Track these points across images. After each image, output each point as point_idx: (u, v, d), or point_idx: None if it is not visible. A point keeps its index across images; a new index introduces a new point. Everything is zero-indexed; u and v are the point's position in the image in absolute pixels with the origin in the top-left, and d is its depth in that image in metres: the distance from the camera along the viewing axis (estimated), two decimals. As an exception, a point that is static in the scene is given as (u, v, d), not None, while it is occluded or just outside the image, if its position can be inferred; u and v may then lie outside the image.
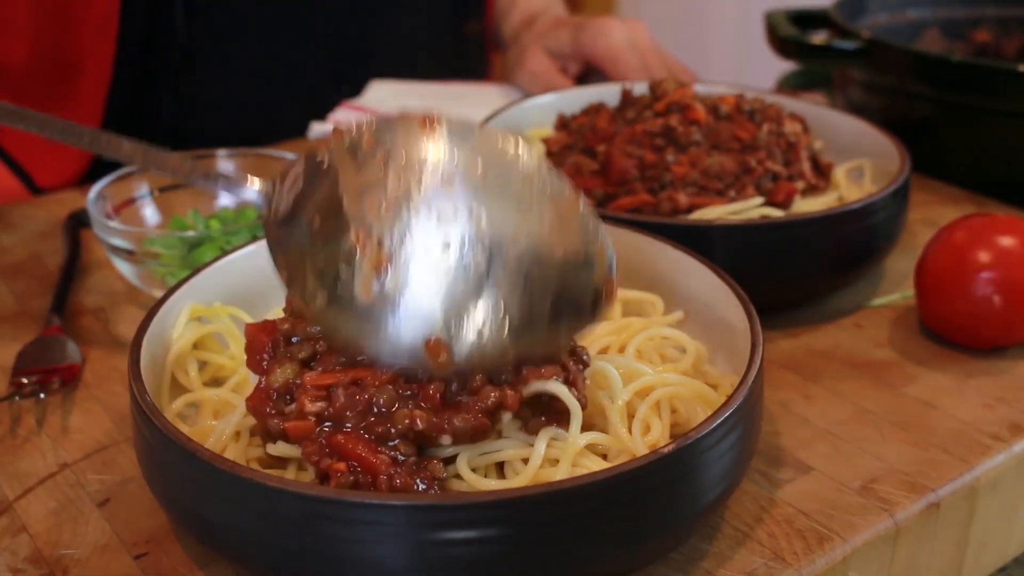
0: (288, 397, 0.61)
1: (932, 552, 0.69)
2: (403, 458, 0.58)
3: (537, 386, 0.60)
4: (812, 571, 0.62)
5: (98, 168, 1.25)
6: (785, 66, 1.52)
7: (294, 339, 0.64)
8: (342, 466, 0.57)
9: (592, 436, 0.61)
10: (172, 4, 1.24)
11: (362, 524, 0.52)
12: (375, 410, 0.59)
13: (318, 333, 0.63)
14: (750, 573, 0.61)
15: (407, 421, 0.58)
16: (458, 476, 0.60)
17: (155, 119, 1.30)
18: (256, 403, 0.62)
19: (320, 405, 0.59)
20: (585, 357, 0.64)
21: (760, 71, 1.95)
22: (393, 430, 0.58)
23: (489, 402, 0.58)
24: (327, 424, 0.59)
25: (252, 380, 0.68)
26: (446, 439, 0.58)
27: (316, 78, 1.38)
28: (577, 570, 0.55)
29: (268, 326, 0.66)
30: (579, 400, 0.60)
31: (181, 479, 0.57)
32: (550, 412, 0.61)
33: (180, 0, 1.23)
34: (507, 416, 0.60)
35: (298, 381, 0.61)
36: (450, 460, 0.60)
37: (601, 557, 0.55)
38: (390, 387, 0.59)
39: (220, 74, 1.32)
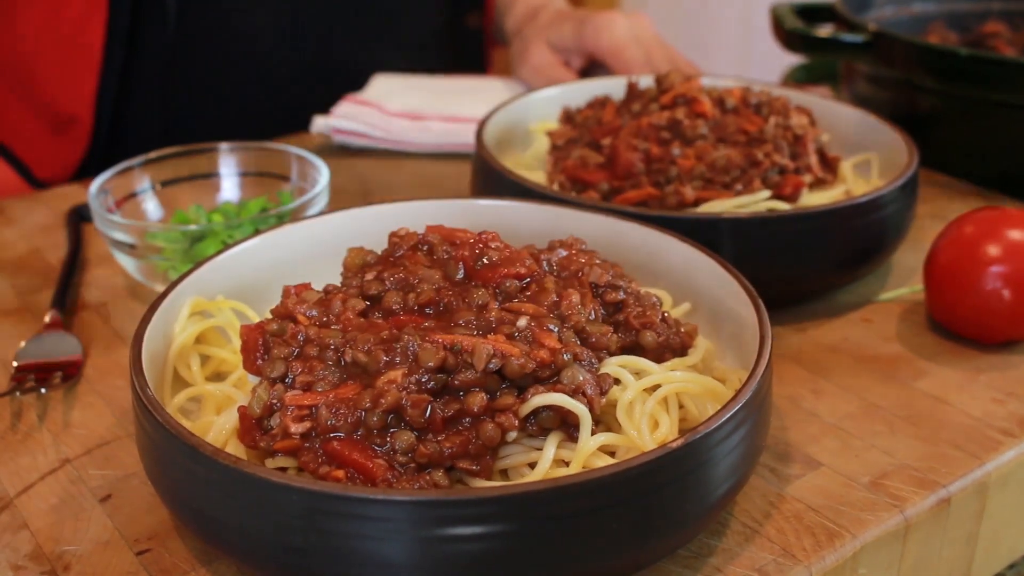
0: (270, 417, 0.60)
1: (942, 548, 0.69)
2: (402, 464, 0.57)
3: (538, 400, 0.59)
4: (822, 567, 0.61)
5: (93, 159, 1.25)
6: (788, 60, 1.51)
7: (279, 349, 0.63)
8: (340, 474, 0.57)
9: (602, 438, 0.60)
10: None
11: (366, 520, 0.52)
12: (363, 431, 0.58)
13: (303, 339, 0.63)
14: (759, 569, 0.60)
15: (408, 444, 0.57)
16: (461, 482, 0.59)
17: (151, 112, 1.29)
18: (247, 437, 0.61)
19: (305, 425, 0.58)
20: (594, 364, 0.63)
21: (763, 65, 1.94)
22: (395, 446, 0.57)
23: (488, 435, 0.58)
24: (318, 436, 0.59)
25: (252, 379, 0.67)
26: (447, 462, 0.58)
27: (318, 72, 1.38)
28: (585, 567, 0.54)
29: (262, 327, 0.65)
30: (587, 404, 0.60)
31: (183, 474, 0.56)
32: (559, 418, 0.60)
33: None
34: (511, 435, 0.59)
35: (277, 402, 0.60)
36: (453, 467, 0.59)
37: (609, 554, 0.54)
38: (381, 412, 0.57)
39: (222, 68, 1.31)
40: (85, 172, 1.26)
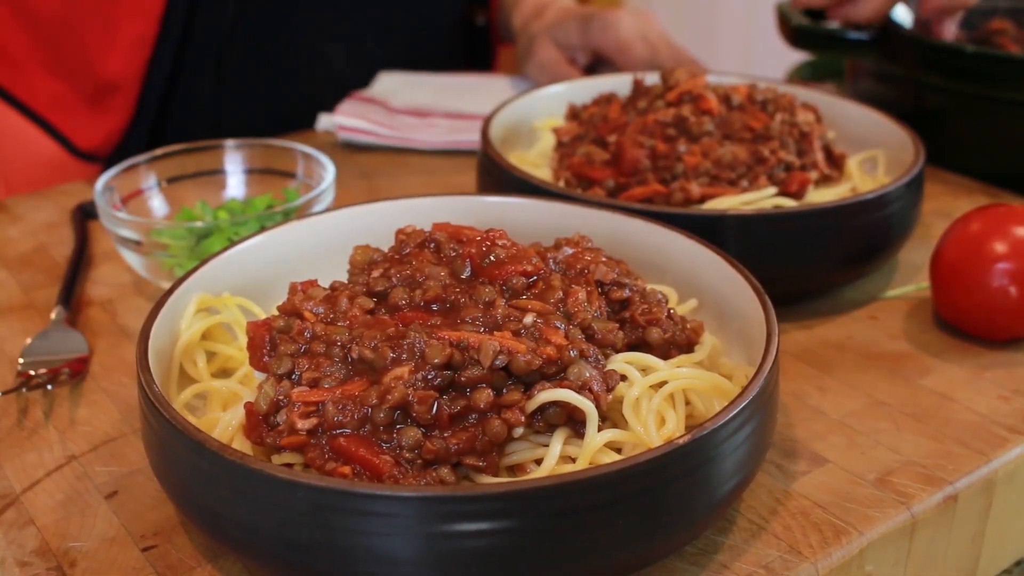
0: (277, 414, 0.60)
1: (949, 545, 0.69)
2: (408, 460, 0.57)
3: (544, 396, 0.59)
4: (828, 564, 0.61)
5: (138, 130, 1.26)
6: (794, 58, 1.51)
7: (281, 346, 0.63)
8: (347, 470, 0.57)
9: (608, 434, 0.60)
10: None
11: (372, 516, 0.52)
12: (369, 427, 0.58)
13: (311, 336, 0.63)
14: (766, 566, 0.60)
15: (415, 441, 0.57)
16: (467, 478, 0.59)
17: (200, 92, 1.30)
18: (253, 433, 0.61)
19: (311, 421, 0.58)
20: (601, 361, 0.63)
21: (768, 63, 1.94)
22: (402, 442, 0.57)
23: (494, 431, 0.58)
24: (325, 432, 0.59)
25: (258, 375, 0.67)
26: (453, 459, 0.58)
27: (323, 69, 1.38)
28: (591, 564, 0.54)
29: (269, 323, 0.65)
30: (594, 400, 0.60)
31: (189, 470, 0.56)
32: (565, 415, 0.60)
33: None
34: (518, 431, 0.59)
35: (283, 398, 0.60)
36: (459, 463, 0.59)
37: (615, 550, 0.54)
38: (388, 408, 0.57)
39: (228, 66, 1.31)
40: (129, 143, 1.27)
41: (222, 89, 1.31)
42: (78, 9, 1.21)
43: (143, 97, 1.25)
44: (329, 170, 0.93)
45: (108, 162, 1.28)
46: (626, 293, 0.68)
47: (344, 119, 1.22)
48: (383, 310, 0.65)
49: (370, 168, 1.18)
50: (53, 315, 0.85)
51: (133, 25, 1.21)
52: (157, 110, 1.27)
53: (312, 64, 1.36)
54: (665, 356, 0.66)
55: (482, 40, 1.53)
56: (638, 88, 1.01)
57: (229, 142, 0.99)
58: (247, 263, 0.75)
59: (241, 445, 0.62)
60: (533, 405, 0.59)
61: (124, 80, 1.23)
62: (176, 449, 0.57)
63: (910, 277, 0.92)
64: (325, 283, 0.69)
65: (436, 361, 0.58)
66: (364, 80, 1.36)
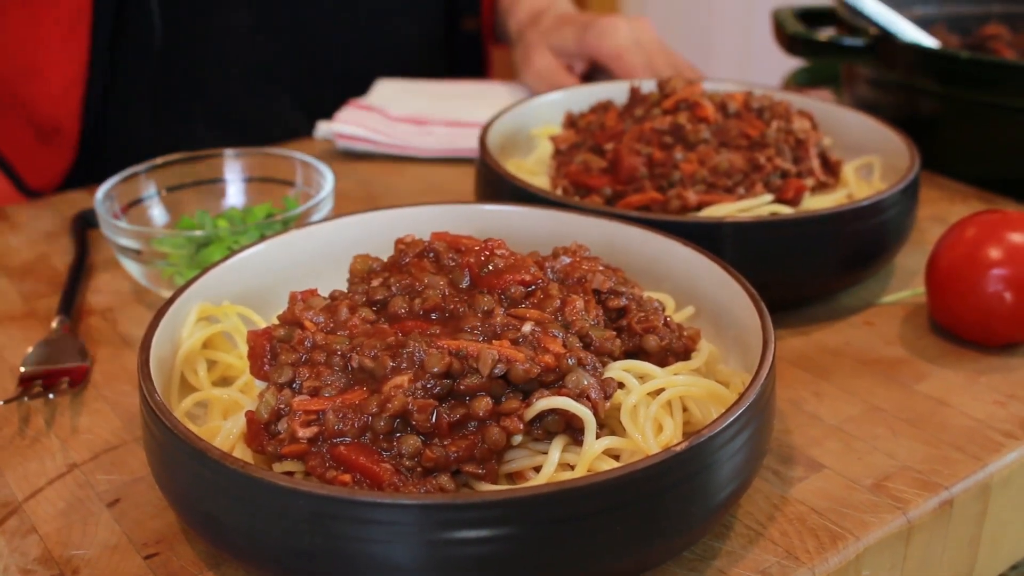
0: (278, 422, 0.61)
1: (945, 550, 0.69)
2: (408, 468, 0.58)
3: (543, 404, 0.59)
4: (825, 569, 0.61)
5: (80, 169, 1.25)
6: (790, 64, 1.51)
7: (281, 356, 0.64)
8: (347, 478, 0.57)
9: (607, 441, 0.60)
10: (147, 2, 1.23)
11: (373, 524, 0.52)
12: (369, 435, 0.58)
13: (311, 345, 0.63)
14: (763, 571, 0.61)
15: (414, 449, 0.58)
16: (467, 486, 0.60)
17: (140, 123, 1.30)
18: (254, 442, 0.62)
19: (312, 429, 0.59)
20: (598, 369, 0.63)
21: (764, 69, 1.94)
22: (402, 450, 0.58)
23: (493, 439, 0.58)
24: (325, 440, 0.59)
25: (259, 384, 0.68)
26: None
27: (321, 77, 1.38)
28: (590, 570, 0.55)
29: (269, 332, 0.66)
30: (592, 408, 0.60)
31: (191, 479, 0.57)
32: (564, 422, 0.60)
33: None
34: (516, 438, 0.59)
35: (284, 407, 0.60)
36: (459, 471, 0.59)
37: (613, 556, 0.55)
38: (388, 416, 0.58)
39: (212, 78, 1.31)
40: (71, 183, 1.26)
41: (159, 125, 1.30)
42: (11, 56, 1.21)
43: (82, 138, 1.25)
44: (328, 178, 0.93)
45: None
46: (623, 301, 0.68)
47: (342, 127, 1.22)
48: (383, 319, 0.65)
49: (368, 176, 1.18)
50: (54, 324, 0.85)
51: (63, 70, 1.21)
52: (98, 149, 1.27)
53: (253, 93, 1.36)
54: (662, 363, 0.67)
55: (472, 47, 1.53)
56: (635, 96, 1.01)
57: (228, 151, 0.99)
58: (247, 272, 0.76)
59: (242, 453, 0.63)
60: (532, 413, 0.59)
61: (64, 122, 1.23)
62: (178, 457, 0.57)
63: (906, 283, 0.93)
64: (324, 292, 0.70)
65: (435, 370, 0.58)
66: (341, 90, 1.35)
